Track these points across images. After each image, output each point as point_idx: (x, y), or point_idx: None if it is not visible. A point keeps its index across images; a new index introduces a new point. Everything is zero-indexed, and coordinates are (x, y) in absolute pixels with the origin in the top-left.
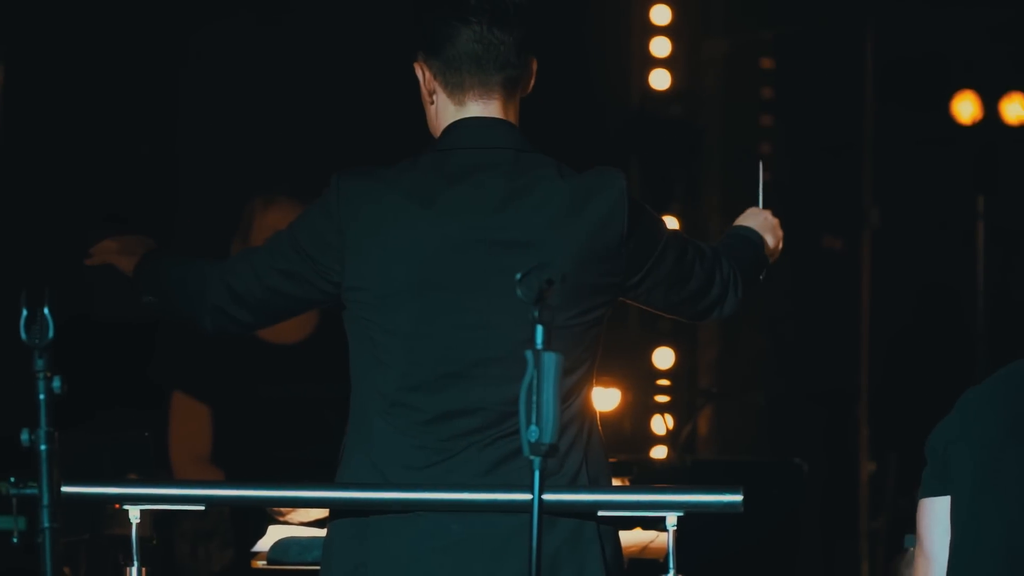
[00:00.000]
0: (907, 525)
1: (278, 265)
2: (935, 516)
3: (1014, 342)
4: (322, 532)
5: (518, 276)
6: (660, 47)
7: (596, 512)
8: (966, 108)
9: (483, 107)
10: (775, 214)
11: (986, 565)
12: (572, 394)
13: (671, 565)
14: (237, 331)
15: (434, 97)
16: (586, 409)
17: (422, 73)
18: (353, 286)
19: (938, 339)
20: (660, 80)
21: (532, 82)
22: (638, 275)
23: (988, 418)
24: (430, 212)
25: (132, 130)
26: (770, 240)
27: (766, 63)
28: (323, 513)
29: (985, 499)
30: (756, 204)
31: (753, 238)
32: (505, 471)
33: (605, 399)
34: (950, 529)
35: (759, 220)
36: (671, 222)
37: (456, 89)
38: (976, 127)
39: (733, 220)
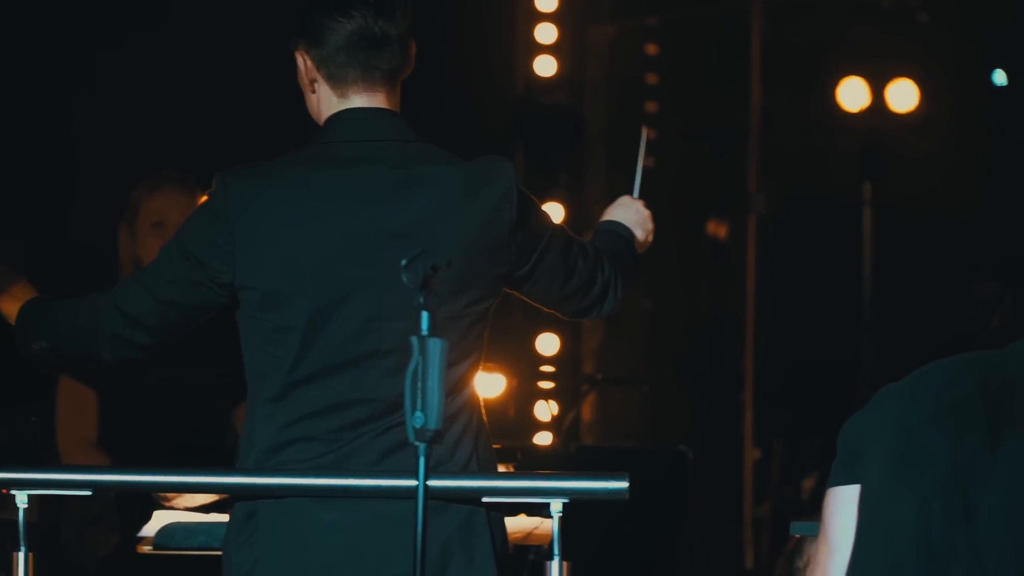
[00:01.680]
0: (792, 512)
1: (169, 276)
2: (841, 505)
3: (900, 329)
4: (208, 517)
5: (403, 262)
6: (545, 34)
7: (481, 498)
8: (852, 94)
9: (367, 98)
10: (655, 200)
11: (895, 549)
12: (461, 385)
13: (556, 551)
14: (138, 356)
15: (315, 86)
16: (474, 400)
17: (303, 62)
18: (244, 285)
19: (823, 326)
20: (545, 67)
21: (412, 65)
22: (526, 266)
23: (909, 408)
24: (318, 206)
25: (26, 124)
26: (639, 234)
27: (651, 49)
28: (209, 498)
29: (899, 484)
30: (636, 177)
31: (624, 234)
32: (395, 460)
33: (489, 385)
34: (856, 517)
35: (630, 213)
36: (555, 209)
37: (339, 81)
38: (863, 114)
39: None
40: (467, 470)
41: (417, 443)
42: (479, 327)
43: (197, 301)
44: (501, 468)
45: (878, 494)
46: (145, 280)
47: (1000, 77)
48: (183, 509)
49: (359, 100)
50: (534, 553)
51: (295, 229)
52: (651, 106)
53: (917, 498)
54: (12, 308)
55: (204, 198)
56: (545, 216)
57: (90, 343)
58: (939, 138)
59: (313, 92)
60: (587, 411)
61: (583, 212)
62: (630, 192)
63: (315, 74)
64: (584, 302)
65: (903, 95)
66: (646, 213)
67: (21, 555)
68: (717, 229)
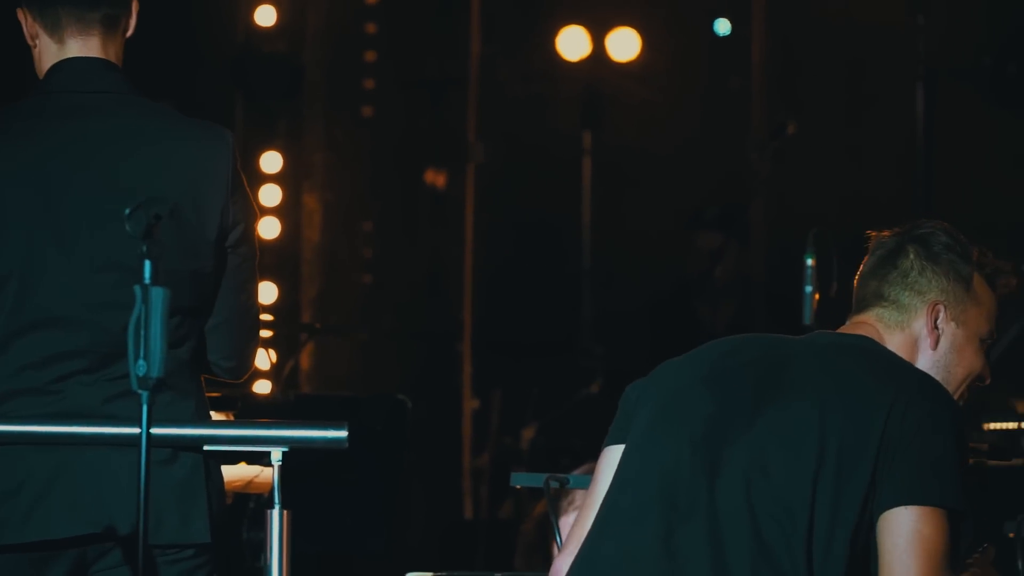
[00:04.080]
0: (511, 462)
1: None
2: (608, 463)
3: (620, 278)
4: None
5: (127, 211)
6: None
7: (203, 446)
8: (573, 43)
9: (82, 45)
10: (375, 149)
11: (642, 495)
12: (185, 336)
13: (277, 500)
14: None
15: (36, 41)
16: (201, 354)
17: (24, 18)
18: None
19: (543, 275)
20: (265, 16)
21: (134, 22)
22: (232, 238)
23: (682, 372)
24: (34, 158)
25: None
26: None
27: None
28: None
29: (656, 435)
30: None
31: None
32: (118, 407)
33: None
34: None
35: None
36: (275, 157)
37: (55, 28)
38: (583, 62)
39: (338, 155)
40: (192, 420)
41: (140, 391)
42: (207, 285)
43: None
44: (221, 416)
45: (636, 444)
46: None
47: (722, 27)
48: None
49: (75, 47)
50: (254, 501)
51: (10, 180)
52: (370, 55)
53: (670, 450)
54: None
55: None
56: (253, 203)
57: None
58: (660, 87)
59: (35, 47)
60: (306, 360)
61: (302, 160)
62: (348, 139)
63: (35, 27)
64: (238, 329)
65: (624, 44)
66: None
67: None
68: (436, 178)
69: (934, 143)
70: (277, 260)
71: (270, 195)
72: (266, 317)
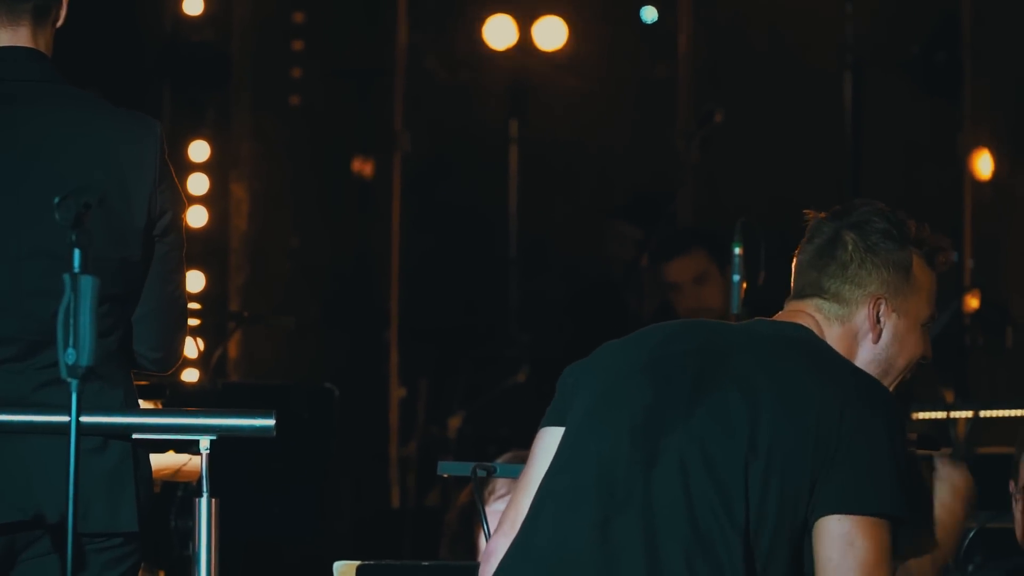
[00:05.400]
0: (438, 451)
1: None
2: (544, 445)
3: (546, 267)
4: None
5: (56, 200)
6: None
7: (131, 435)
8: (499, 32)
9: (11, 35)
10: (300, 138)
11: (580, 481)
12: (113, 326)
13: (205, 488)
14: None
15: None
16: (129, 344)
17: None
18: None
19: (469, 264)
20: (193, 5)
21: (64, 12)
22: (159, 227)
23: (621, 357)
24: None
25: None
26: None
27: None
28: None
29: (595, 422)
30: None
31: None
32: (47, 395)
33: None
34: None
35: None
36: (202, 147)
37: None
38: (510, 51)
39: (265, 144)
40: (121, 409)
41: (70, 379)
42: (134, 274)
43: None
44: (149, 405)
45: (575, 430)
46: None
47: (649, 14)
48: None
49: (3, 37)
50: (182, 490)
51: None
52: (298, 45)
53: (608, 438)
54: None
55: None
56: (180, 192)
57: None
58: (587, 76)
59: None
60: (233, 348)
61: (229, 149)
62: (275, 129)
63: None
64: (164, 321)
65: (551, 33)
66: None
67: None
68: (363, 167)
69: (862, 131)
70: (205, 249)
71: (198, 184)
72: (194, 305)
